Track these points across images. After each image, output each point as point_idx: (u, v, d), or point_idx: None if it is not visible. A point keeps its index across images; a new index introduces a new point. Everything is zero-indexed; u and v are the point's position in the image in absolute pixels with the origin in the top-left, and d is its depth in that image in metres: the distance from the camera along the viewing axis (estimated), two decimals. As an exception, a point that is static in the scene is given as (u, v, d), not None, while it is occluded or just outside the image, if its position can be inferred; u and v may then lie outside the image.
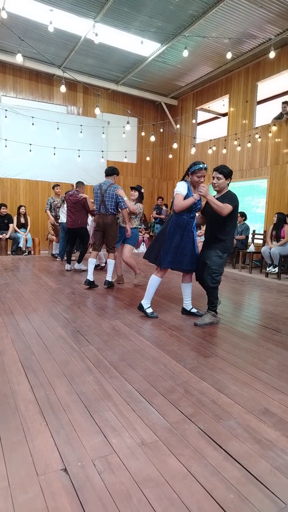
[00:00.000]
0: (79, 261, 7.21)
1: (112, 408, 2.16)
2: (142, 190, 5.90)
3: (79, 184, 7.19)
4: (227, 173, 3.91)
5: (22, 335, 3.42)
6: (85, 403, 2.21)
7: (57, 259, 8.69)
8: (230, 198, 3.86)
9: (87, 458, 1.72)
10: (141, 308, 4.16)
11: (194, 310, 4.30)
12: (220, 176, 3.90)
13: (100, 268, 7.43)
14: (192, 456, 1.75)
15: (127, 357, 2.95)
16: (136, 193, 5.82)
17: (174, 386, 2.47)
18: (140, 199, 5.84)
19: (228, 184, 3.98)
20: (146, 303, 4.15)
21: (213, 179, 3.97)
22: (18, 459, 1.71)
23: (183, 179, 4.03)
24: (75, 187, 7.16)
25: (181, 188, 3.91)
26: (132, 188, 5.89)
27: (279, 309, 4.75)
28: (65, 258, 7.74)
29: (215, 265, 3.87)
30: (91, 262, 5.61)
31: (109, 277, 5.63)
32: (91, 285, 5.55)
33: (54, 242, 9.33)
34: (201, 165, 3.87)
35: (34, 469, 1.64)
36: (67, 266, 7.22)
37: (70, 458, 1.71)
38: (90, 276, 5.54)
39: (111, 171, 5.63)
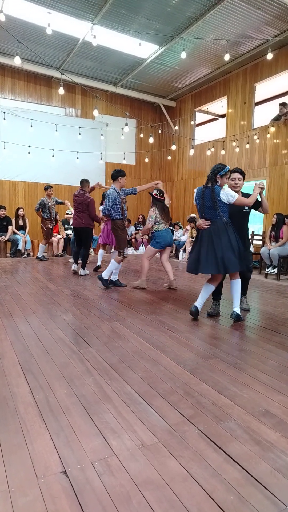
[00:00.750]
0: (83, 267, 6.99)
1: (111, 410, 2.16)
2: (154, 192, 5.72)
3: (83, 183, 6.93)
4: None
5: (21, 337, 3.42)
6: (85, 405, 2.21)
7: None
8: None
9: (87, 461, 1.71)
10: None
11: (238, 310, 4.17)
12: (241, 177, 4.13)
13: (96, 268, 7.45)
14: (192, 458, 1.75)
15: (127, 359, 2.94)
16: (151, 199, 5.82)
17: (173, 387, 2.47)
18: (155, 201, 5.72)
19: None
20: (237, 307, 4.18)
21: (233, 180, 4.10)
22: (17, 461, 1.70)
23: (213, 185, 3.89)
24: (80, 186, 6.94)
25: (233, 192, 3.98)
26: (150, 194, 5.88)
27: (279, 310, 4.75)
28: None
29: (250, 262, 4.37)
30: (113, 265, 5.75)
31: (105, 275, 5.67)
32: (117, 284, 5.86)
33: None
34: (228, 167, 4.01)
35: (33, 472, 1.63)
36: (73, 266, 7.11)
37: (70, 461, 1.71)
38: (109, 275, 5.73)
39: (114, 175, 5.64)
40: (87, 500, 1.48)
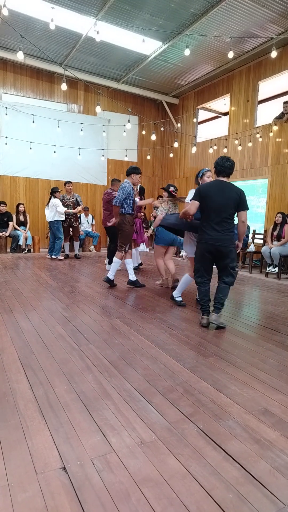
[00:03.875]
0: (109, 262, 7.11)
1: (111, 407, 2.16)
2: (171, 189, 5.69)
3: (114, 182, 7.09)
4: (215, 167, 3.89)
5: (21, 333, 3.42)
6: (84, 402, 2.21)
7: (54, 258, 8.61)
8: None
9: (86, 457, 1.72)
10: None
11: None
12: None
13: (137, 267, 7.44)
14: (191, 456, 1.75)
15: (127, 356, 2.95)
16: (166, 193, 5.72)
17: (173, 385, 2.47)
18: (170, 197, 5.68)
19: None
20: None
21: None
22: (17, 457, 1.70)
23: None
24: (111, 185, 7.13)
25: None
26: (163, 189, 5.85)
27: (279, 309, 4.75)
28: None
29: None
30: (126, 262, 5.70)
31: (111, 275, 5.58)
32: (109, 283, 5.60)
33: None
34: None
35: (33, 467, 1.64)
36: (107, 261, 7.46)
37: (69, 457, 1.71)
38: (110, 275, 5.59)
39: (128, 171, 5.70)
40: (86, 497, 1.48)
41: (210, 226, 3.76)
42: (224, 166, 3.79)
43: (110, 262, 7.10)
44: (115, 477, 1.59)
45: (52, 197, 8.32)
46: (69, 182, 8.85)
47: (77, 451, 1.76)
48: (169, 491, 1.53)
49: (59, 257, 8.54)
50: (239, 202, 3.73)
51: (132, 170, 5.68)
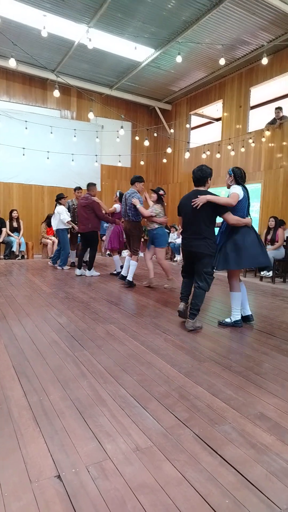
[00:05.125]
0: (89, 268, 7.07)
1: (106, 414, 2.15)
2: (161, 192, 6.05)
3: (90, 186, 7.02)
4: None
5: (15, 340, 3.39)
6: (79, 409, 2.19)
7: (58, 267, 8.14)
8: None
9: (81, 465, 1.70)
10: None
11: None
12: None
13: (115, 273, 7.25)
14: (187, 462, 1.74)
15: (122, 362, 2.93)
16: (155, 195, 6.04)
17: (169, 391, 2.46)
18: (159, 200, 6.04)
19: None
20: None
21: None
22: (11, 466, 1.68)
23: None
24: (87, 190, 7.04)
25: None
26: (152, 191, 6.16)
27: (274, 313, 4.76)
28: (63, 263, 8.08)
29: None
30: (127, 261, 6.14)
31: (130, 277, 6.03)
32: (130, 284, 6.05)
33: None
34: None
35: (27, 476, 1.62)
36: (77, 271, 7.14)
37: (64, 465, 1.69)
38: (129, 276, 6.03)
39: (132, 180, 6.07)
40: (81, 504, 1.46)
41: (187, 232, 4.03)
42: (195, 176, 4.06)
43: (80, 267, 7.15)
44: (111, 484, 1.58)
45: (58, 204, 8.01)
46: (79, 188, 8.38)
47: (72, 458, 1.74)
48: (165, 497, 1.51)
49: (65, 268, 8.05)
50: (213, 208, 3.82)
51: (136, 179, 6.05)
